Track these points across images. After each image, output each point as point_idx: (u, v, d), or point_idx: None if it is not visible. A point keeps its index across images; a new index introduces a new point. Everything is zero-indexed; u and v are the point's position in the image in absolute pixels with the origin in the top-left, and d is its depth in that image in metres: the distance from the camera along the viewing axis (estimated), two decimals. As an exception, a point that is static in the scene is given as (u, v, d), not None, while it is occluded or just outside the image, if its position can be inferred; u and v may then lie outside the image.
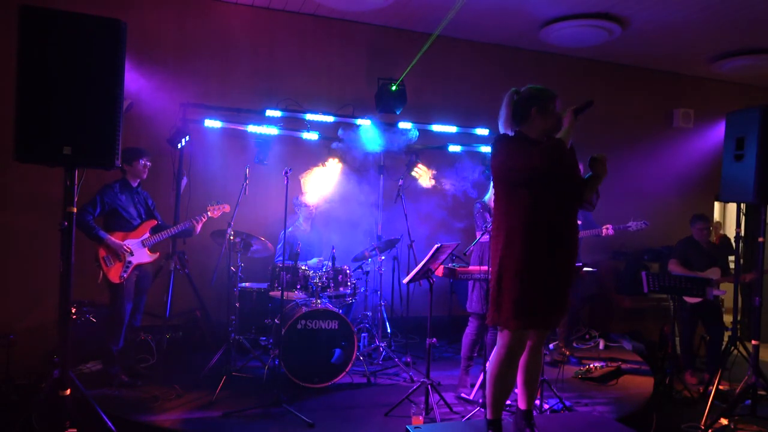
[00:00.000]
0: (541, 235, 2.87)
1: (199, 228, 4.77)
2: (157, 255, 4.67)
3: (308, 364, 4.49)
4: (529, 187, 2.87)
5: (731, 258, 5.59)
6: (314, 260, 5.51)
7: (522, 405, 3.13)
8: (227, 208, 4.86)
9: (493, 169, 3.01)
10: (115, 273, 4.39)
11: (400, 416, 3.96)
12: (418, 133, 6.09)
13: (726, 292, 5.60)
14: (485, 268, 3.99)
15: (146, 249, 4.57)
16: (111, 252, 4.38)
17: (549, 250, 2.88)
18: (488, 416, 3.01)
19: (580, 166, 3.13)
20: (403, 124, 6.28)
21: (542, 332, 3.10)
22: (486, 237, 4.20)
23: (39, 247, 5.17)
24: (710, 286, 4.89)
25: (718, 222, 8.33)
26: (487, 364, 3.12)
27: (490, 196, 4.44)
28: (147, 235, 4.58)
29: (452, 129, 6.60)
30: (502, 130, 3.05)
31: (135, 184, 4.64)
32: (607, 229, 5.38)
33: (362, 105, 6.33)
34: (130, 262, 4.44)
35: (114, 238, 4.39)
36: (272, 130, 5.81)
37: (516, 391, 3.16)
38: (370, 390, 4.64)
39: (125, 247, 4.41)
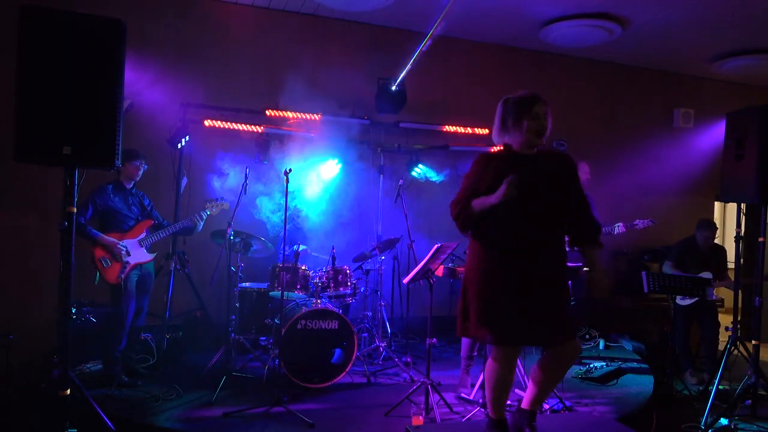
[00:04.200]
0: (503, 247, 2.84)
1: (200, 226, 4.77)
2: (155, 254, 4.66)
3: (308, 364, 4.48)
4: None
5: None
6: (303, 247, 5.40)
7: (526, 405, 3.05)
8: (226, 206, 4.84)
9: None
10: (112, 273, 4.37)
11: (400, 416, 3.96)
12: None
13: (718, 296, 5.61)
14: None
15: (144, 248, 4.56)
16: (107, 252, 4.37)
17: (511, 264, 2.82)
18: (491, 415, 3.01)
19: (585, 168, 3.05)
20: (404, 124, 6.28)
21: (560, 347, 2.89)
22: None
23: (39, 247, 5.17)
24: (710, 287, 4.88)
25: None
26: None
27: None
28: (144, 234, 4.57)
29: (452, 129, 6.60)
30: (494, 139, 3.04)
31: (129, 186, 4.63)
32: (619, 227, 5.37)
33: (362, 105, 6.32)
34: (127, 262, 4.43)
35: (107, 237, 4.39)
36: (272, 130, 5.80)
37: (517, 390, 3.15)
38: (370, 390, 4.64)
39: (119, 245, 4.40)
